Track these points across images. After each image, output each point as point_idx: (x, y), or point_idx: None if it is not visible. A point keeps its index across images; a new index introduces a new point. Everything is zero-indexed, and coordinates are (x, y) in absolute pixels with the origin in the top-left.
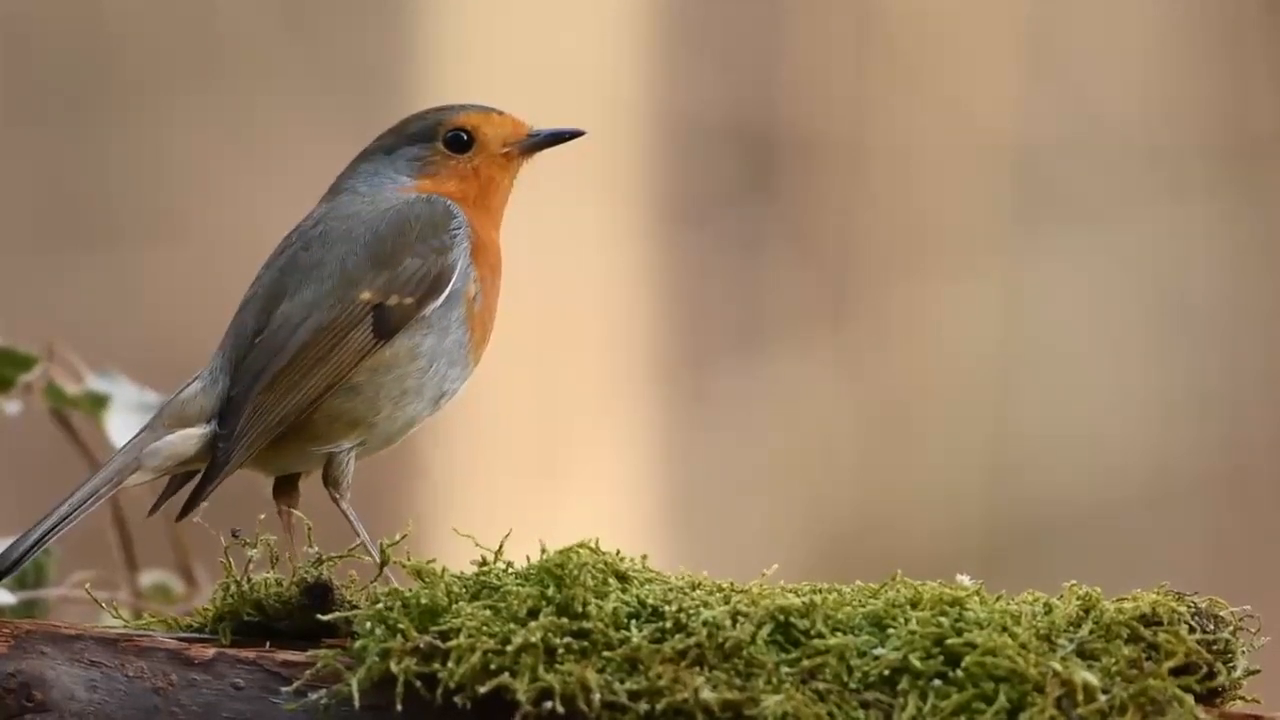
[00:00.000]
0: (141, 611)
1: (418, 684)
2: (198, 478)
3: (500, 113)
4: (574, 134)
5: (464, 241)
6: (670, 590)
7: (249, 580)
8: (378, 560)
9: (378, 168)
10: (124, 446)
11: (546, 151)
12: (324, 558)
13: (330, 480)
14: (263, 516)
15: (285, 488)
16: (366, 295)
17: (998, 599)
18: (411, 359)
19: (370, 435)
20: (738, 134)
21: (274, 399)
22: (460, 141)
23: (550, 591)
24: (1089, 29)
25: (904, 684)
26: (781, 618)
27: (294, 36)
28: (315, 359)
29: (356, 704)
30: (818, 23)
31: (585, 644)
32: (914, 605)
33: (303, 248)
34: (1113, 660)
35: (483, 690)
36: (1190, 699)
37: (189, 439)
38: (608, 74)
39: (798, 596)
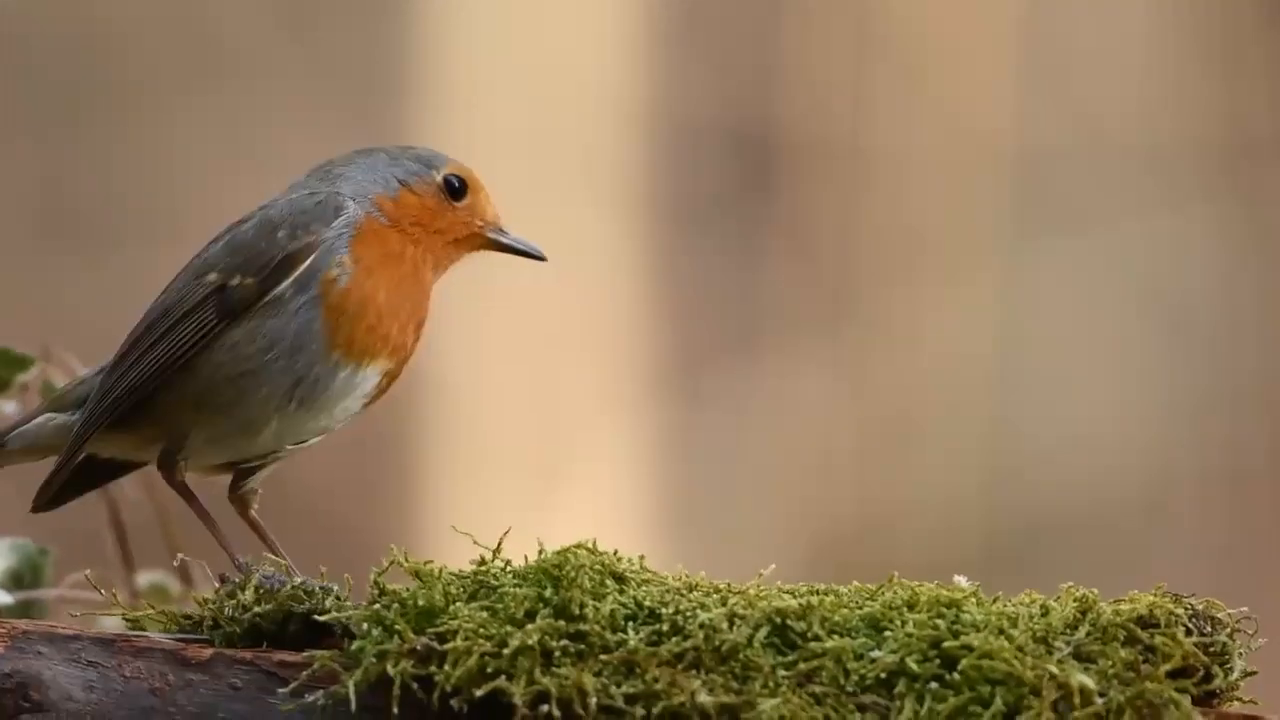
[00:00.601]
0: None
1: (414, 686)
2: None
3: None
4: (538, 256)
5: (343, 230)
6: (667, 592)
7: (240, 611)
8: (290, 568)
9: (374, 164)
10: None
11: (545, 152)
12: (295, 577)
13: (165, 457)
14: (251, 512)
15: (236, 489)
16: (212, 278)
17: (995, 601)
18: (250, 340)
19: (218, 421)
20: (735, 137)
21: (114, 379)
22: (453, 188)
23: (547, 593)
24: (1086, 34)
25: (901, 687)
26: (778, 620)
27: (293, 38)
28: (154, 339)
29: (353, 705)
30: (816, 25)
31: (582, 647)
32: (911, 607)
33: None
34: (1110, 663)
35: (479, 693)
36: (1187, 701)
37: (44, 425)
38: (606, 75)
39: (795, 598)
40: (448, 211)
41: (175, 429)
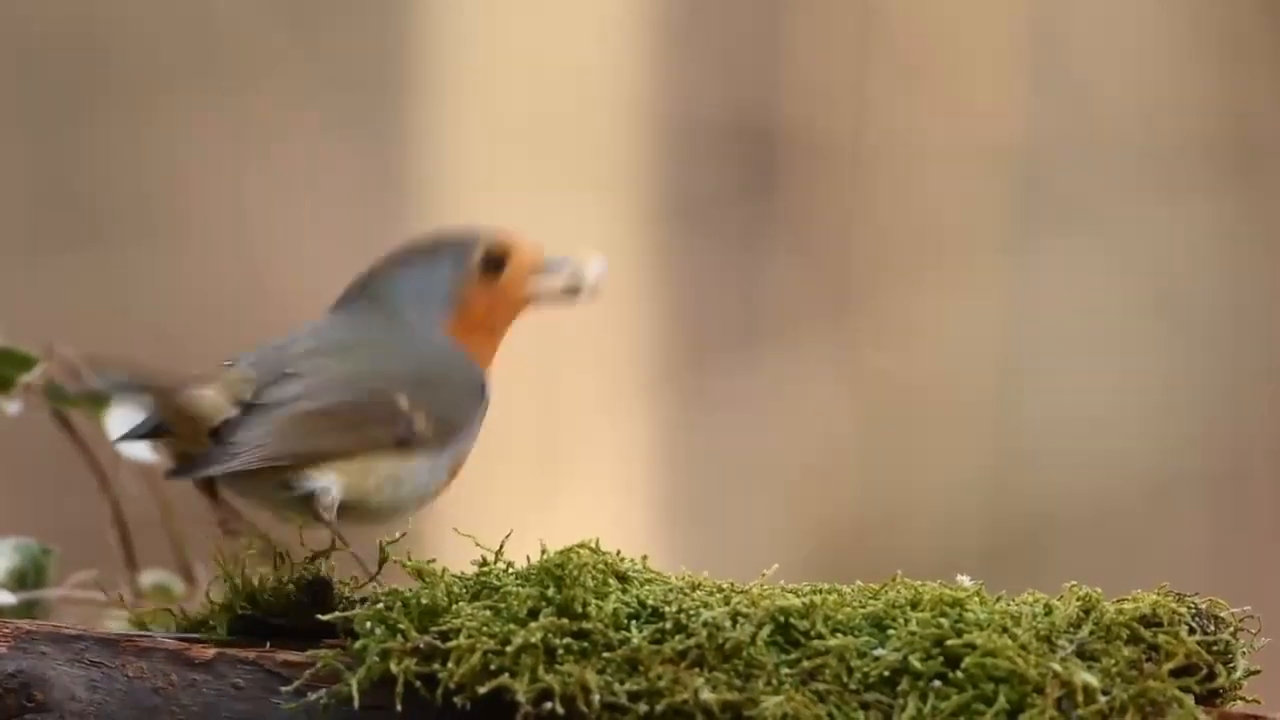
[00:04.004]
0: (141, 617)
1: (418, 684)
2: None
3: (521, 238)
4: (588, 289)
5: (483, 414)
6: (670, 591)
7: (243, 574)
8: (369, 572)
9: (417, 279)
10: (173, 372)
11: (548, 149)
12: (322, 553)
13: (321, 506)
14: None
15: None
16: (404, 404)
17: (998, 600)
18: (404, 464)
19: (345, 490)
20: (738, 133)
21: (297, 432)
22: (495, 263)
23: (550, 592)
24: (1091, 29)
25: (904, 685)
26: (781, 618)
27: (294, 36)
28: (343, 424)
29: (356, 704)
30: (819, 21)
31: (585, 644)
32: (914, 606)
33: (350, 335)
34: (1113, 661)
35: (483, 691)
36: (1190, 700)
37: (216, 405)
38: (608, 72)
39: (798, 597)
40: (495, 295)
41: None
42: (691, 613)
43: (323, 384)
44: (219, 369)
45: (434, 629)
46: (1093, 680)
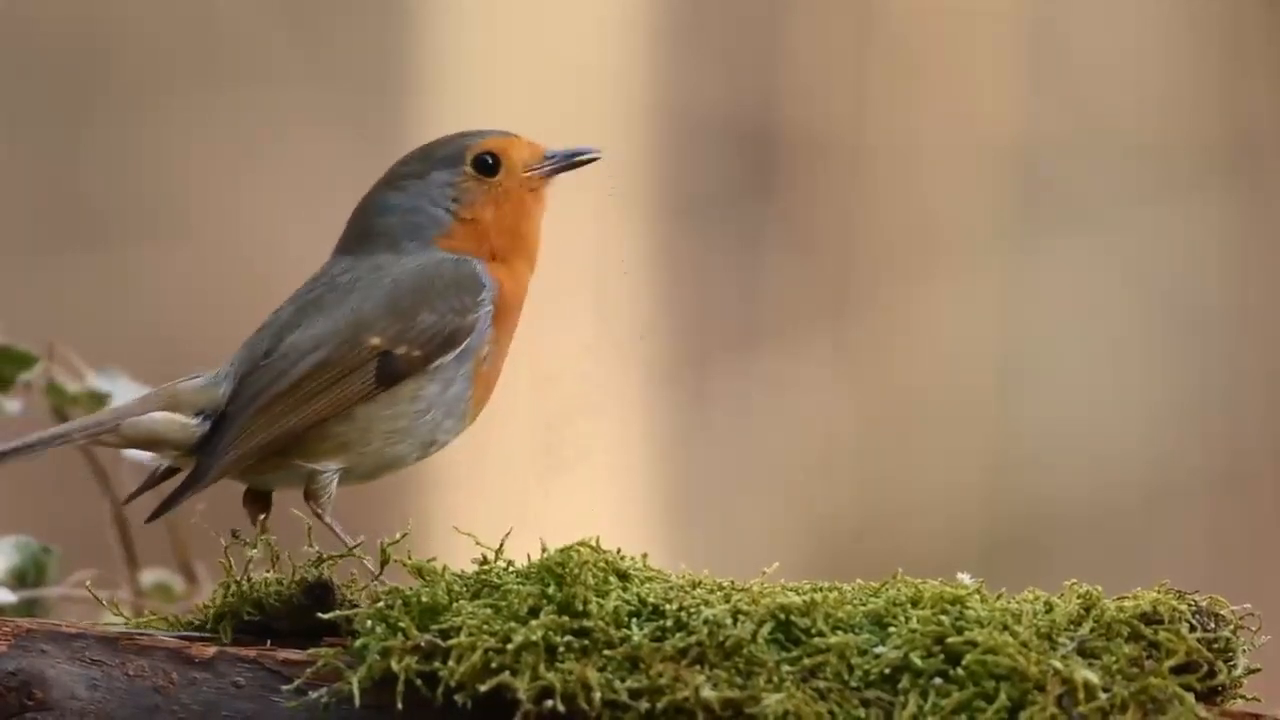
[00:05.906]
0: (142, 610)
1: (418, 682)
2: (180, 481)
3: (518, 136)
4: (590, 156)
5: (488, 305)
6: (671, 589)
7: (249, 579)
8: (372, 569)
9: (415, 201)
10: (109, 408)
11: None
12: (324, 557)
13: (310, 495)
14: (262, 516)
15: (258, 497)
16: (375, 341)
17: (998, 597)
18: (410, 401)
19: (356, 462)
20: (738, 133)
21: (264, 423)
22: (487, 165)
23: (551, 590)
24: (1090, 29)
25: (905, 682)
26: (782, 616)
27: (294, 36)
28: (312, 392)
29: (357, 702)
30: (818, 21)
31: (586, 642)
32: (915, 604)
33: (329, 289)
34: (1113, 659)
35: (483, 689)
36: (1191, 697)
37: (171, 424)
38: (608, 72)
39: (798, 595)
40: (498, 189)
41: (315, 464)
42: (692, 610)
43: (286, 364)
44: (166, 388)
45: (435, 627)
46: (1093, 677)
